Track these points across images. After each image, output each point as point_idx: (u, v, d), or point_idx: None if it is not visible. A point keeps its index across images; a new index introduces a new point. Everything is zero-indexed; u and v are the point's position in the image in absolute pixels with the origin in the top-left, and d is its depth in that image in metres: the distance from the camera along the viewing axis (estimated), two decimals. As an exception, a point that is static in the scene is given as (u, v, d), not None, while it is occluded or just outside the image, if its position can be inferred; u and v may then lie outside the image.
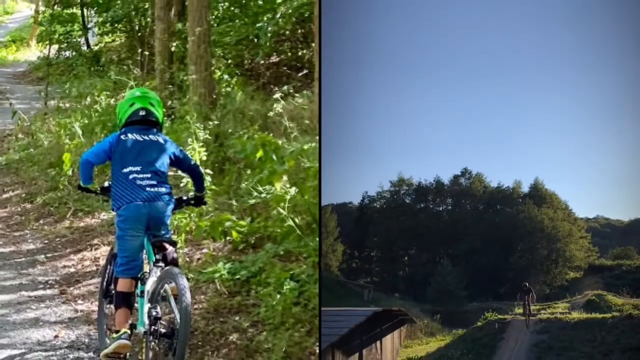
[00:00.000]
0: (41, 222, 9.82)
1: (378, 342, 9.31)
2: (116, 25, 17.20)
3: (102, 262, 7.48)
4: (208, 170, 8.00)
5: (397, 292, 13.83)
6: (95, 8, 17.98)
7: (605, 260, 14.21)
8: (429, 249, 14.32)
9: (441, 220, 14.44)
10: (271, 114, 9.44)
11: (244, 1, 13.45)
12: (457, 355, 10.87)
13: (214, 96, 10.48)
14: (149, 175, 5.35)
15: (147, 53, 14.75)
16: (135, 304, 5.31)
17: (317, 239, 6.86)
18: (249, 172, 8.31)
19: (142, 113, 5.55)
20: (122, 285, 5.29)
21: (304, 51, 12.62)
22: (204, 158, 8.50)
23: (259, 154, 7.64)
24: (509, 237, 13.68)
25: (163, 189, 5.37)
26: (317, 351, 5.52)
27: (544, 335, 10.62)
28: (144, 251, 5.38)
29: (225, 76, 11.45)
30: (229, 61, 12.39)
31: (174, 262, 5.30)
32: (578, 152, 13.02)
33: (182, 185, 7.64)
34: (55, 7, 18.49)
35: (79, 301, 7.04)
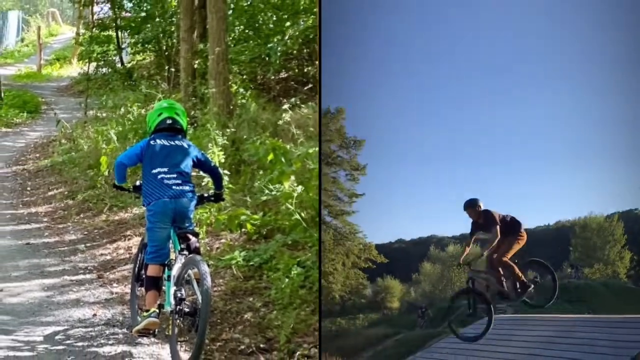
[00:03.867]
0: (81, 216, 9.83)
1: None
2: (146, 45, 17.18)
3: (134, 250, 7.48)
4: (226, 171, 8.00)
5: (687, 299, 12.17)
6: (129, 31, 17.98)
7: None
8: None
9: None
10: (280, 122, 9.45)
11: (257, 25, 13.45)
12: None
13: (231, 107, 10.48)
14: (174, 176, 5.36)
15: (173, 70, 14.76)
16: (163, 287, 5.32)
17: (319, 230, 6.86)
18: (261, 172, 8.31)
19: (169, 121, 5.55)
20: (152, 270, 5.31)
21: (309, 68, 12.61)
22: (222, 160, 8.51)
23: (270, 157, 7.65)
24: None
25: (187, 187, 5.38)
26: (319, 327, 5.53)
27: None
28: (171, 241, 5.39)
29: (241, 90, 11.44)
30: (244, 77, 12.39)
31: (197, 251, 5.31)
32: None
33: (203, 184, 7.65)
34: (94, 29, 18.51)
35: (114, 284, 7.05)
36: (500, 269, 6.22)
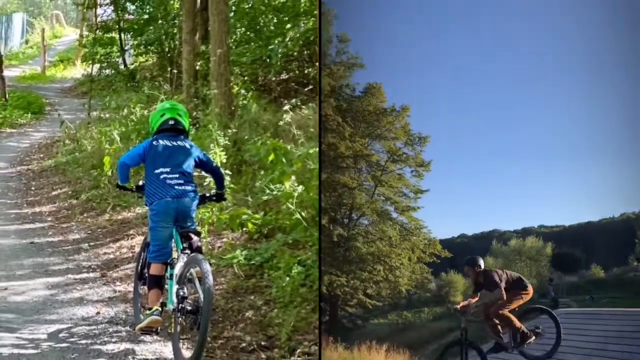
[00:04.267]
0: (85, 215, 9.83)
1: None
2: (149, 47, 17.20)
3: (137, 249, 7.48)
4: (227, 171, 8.00)
5: None
6: (131, 33, 18.00)
7: None
8: None
9: None
10: (281, 123, 9.43)
11: (258, 27, 13.44)
12: None
13: (233, 108, 10.48)
14: (177, 176, 5.35)
15: (175, 71, 14.75)
16: (165, 286, 5.32)
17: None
18: (262, 172, 8.31)
19: (171, 122, 5.55)
20: (154, 269, 5.30)
21: (310, 69, 12.60)
22: (224, 161, 8.50)
23: (271, 157, 7.64)
24: None
25: (189, 187, 5.38)
26: (318, 325, 5.53)
27: None
28: (173, 240, 5.38)
29: (242, 91, 11.45)
30: (246, 78, 12.39)
31: (199, 250, 5.30)
32: None
33: (205, 184, 7.64)
34: (97, 32, 18.53)
35: (117, 283, 7.05)
36: (496, 321, 5.81)
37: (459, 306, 5.83)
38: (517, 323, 5.74)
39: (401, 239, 7.71)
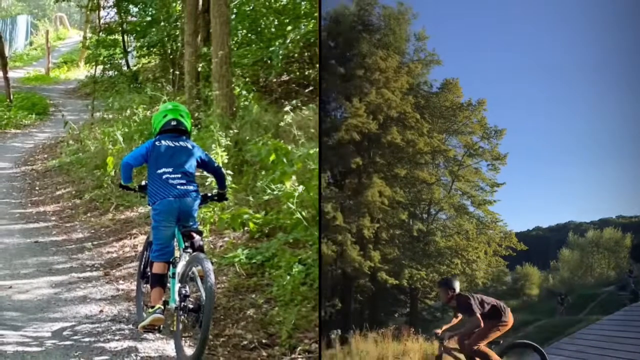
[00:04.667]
0: (88, 215, 9.83)
1: None
2: (152, 49, 17.18)
3: (139, 248, 7.49)
4: (229, 171, 8.01)
5: None
6: (134, 34, 17.98)
7: None
8: None
9: None
10: (282, 124, 9.43)
11: (259, 29, 13.44)
12: None
13: (234, 109, 10.48)
14: (179, 176, 5.36)
15: (177, 72, 14.74)
16: (168, 284, 5.33)
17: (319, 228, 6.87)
18: (263, 172, 8.32)
19: (173, 123, 5.56)
20: (157, 268, 5.32)
21: (310, 71, 12.61)
22: (226, 161, 8.50)
23: (272, 157, 7.66)
24: None
25: (191, 187, 5.39)
26: (319, 323, 5.53)
27: None
28: (175, 239, 5.39)
29: (244, 92, 11.44)
30: (247, 79, 12.38)
31: (201, 249, 5.31)
32: None
33: (207, 184, 7.65)
34: (101, 33, 18.51)
35: (120, 281, 7.05)
36: (473, 355, 5.33)
37: (439, 330, 5.53)
38: (495, 357, 5.33)
39: (478, 232, 7.77)
